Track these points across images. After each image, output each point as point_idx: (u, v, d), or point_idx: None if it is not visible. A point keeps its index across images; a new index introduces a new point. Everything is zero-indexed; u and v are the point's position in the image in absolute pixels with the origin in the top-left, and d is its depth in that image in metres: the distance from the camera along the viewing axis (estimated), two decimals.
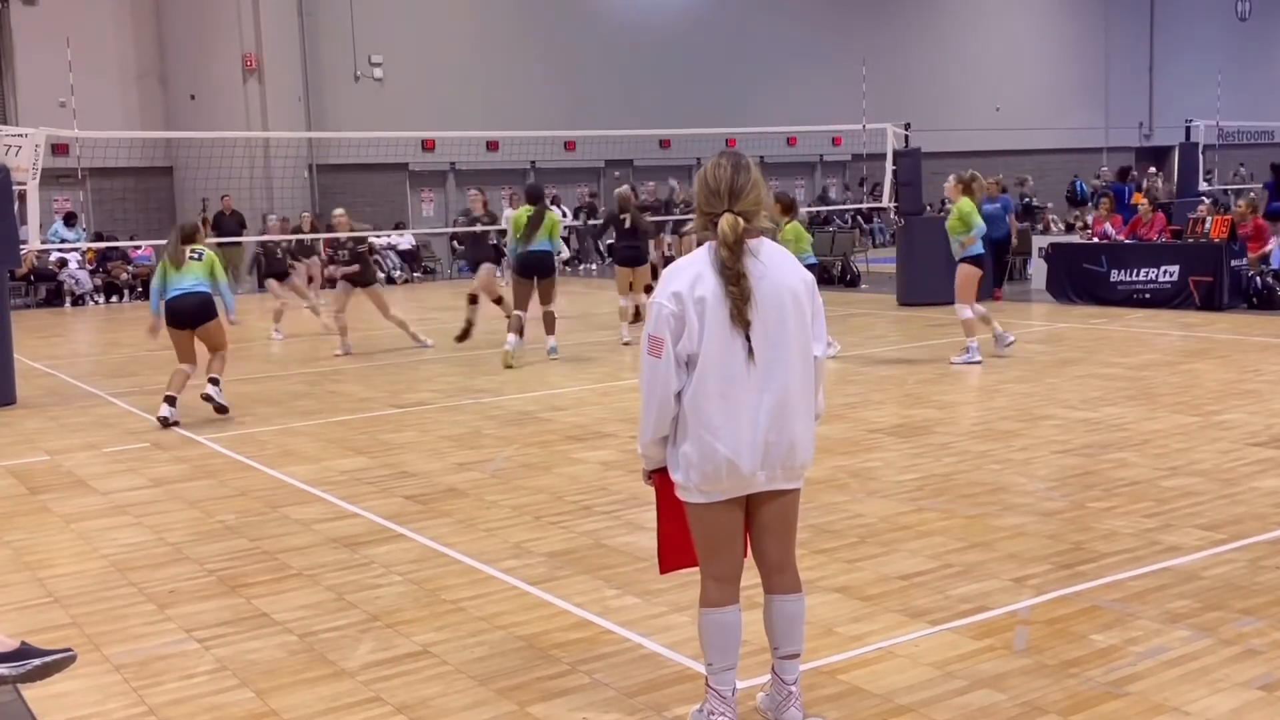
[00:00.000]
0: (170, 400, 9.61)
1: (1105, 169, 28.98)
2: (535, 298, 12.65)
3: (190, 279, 9.57)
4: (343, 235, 14.05)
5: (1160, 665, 4.21)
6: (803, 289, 3.66)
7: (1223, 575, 5.14)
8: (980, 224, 11.48)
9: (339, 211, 14.59)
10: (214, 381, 9.75)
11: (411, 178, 27.56)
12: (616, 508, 6.61)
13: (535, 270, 12.58)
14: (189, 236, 9.79)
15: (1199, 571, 5.20)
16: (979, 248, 11.54)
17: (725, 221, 3.56)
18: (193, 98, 24.28)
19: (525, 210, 12.68)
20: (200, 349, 9.80)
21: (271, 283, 16.54)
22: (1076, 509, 6.26)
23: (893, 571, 5.34)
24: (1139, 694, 3.98)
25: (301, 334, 15.96)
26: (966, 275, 11.51)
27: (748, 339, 3.54)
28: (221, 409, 9.77)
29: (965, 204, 11.56)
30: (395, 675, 4.38)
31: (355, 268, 13.61)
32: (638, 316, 13.76)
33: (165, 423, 9.50)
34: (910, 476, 7.08)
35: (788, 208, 11.68)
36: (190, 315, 9.59)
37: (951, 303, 16.40)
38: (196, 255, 9.65)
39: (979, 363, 11.26)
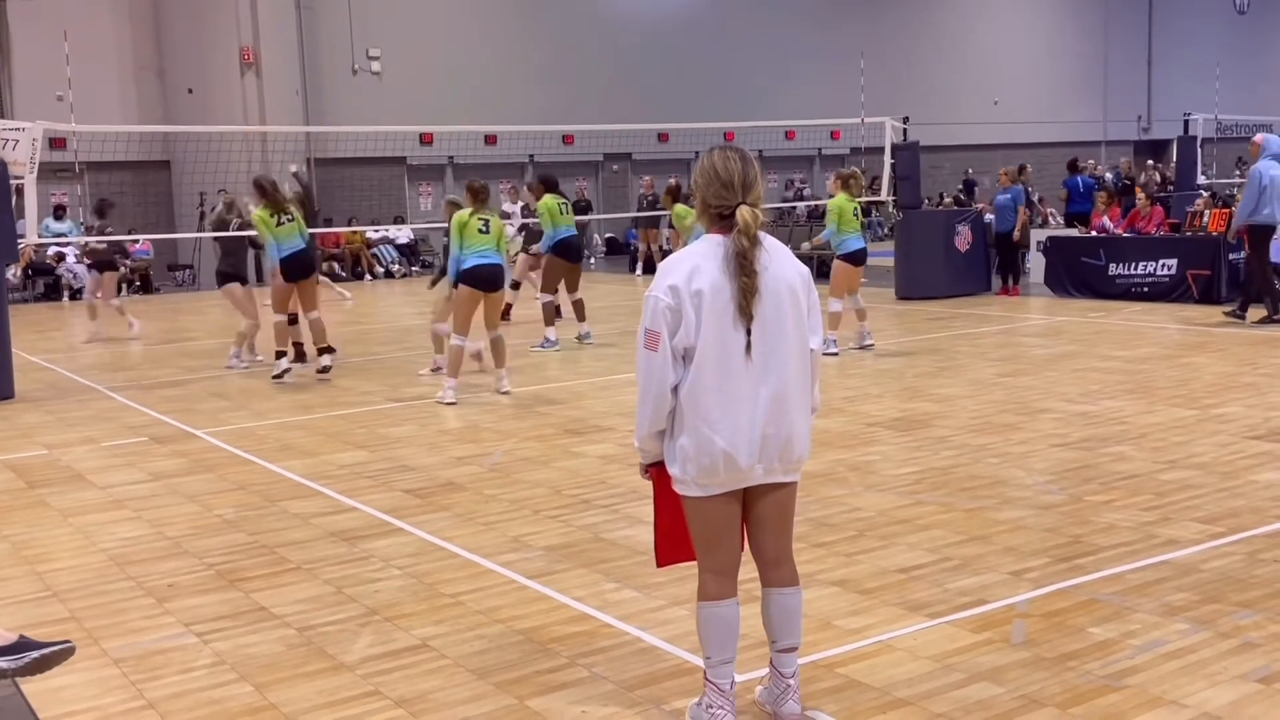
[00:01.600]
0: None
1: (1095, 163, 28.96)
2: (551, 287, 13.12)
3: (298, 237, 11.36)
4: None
5: (1158, 658, 4.22)
6: (800, 282, 3.67)
7: (1221, 568, 5.15)
8: (832, 227, 11.93)
9: (222, 191, 14.49)
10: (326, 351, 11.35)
11: (410, 171, 27.54)
12: (615, 501, 6.61)
13: (578, 255, 13.43)
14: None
15: (1197, 565, 5.20)
16: (855, 244, 11.85)
17: (746, 213, 3.56)
18: (190, 91, 24.26)
19: (554, 199, 13.00)
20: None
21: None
22: (1075, 502, 6.27)
23: (891, 565, 5.34)
24: (1137, 687, 3.99)
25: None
26: (841, 271, 11.91)
27: (747, 333, 3.54)
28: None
29: (837, 200, 11.80)
30: (394, 669, 4.39)
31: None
32: None
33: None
34: (909, 470, 7.08)
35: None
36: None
37: (950, 296, 16.50)
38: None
39: (835, 354, 11.67)
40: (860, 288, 12.34)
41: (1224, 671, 4.09)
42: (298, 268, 11.34)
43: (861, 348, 12.12)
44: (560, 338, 12.96)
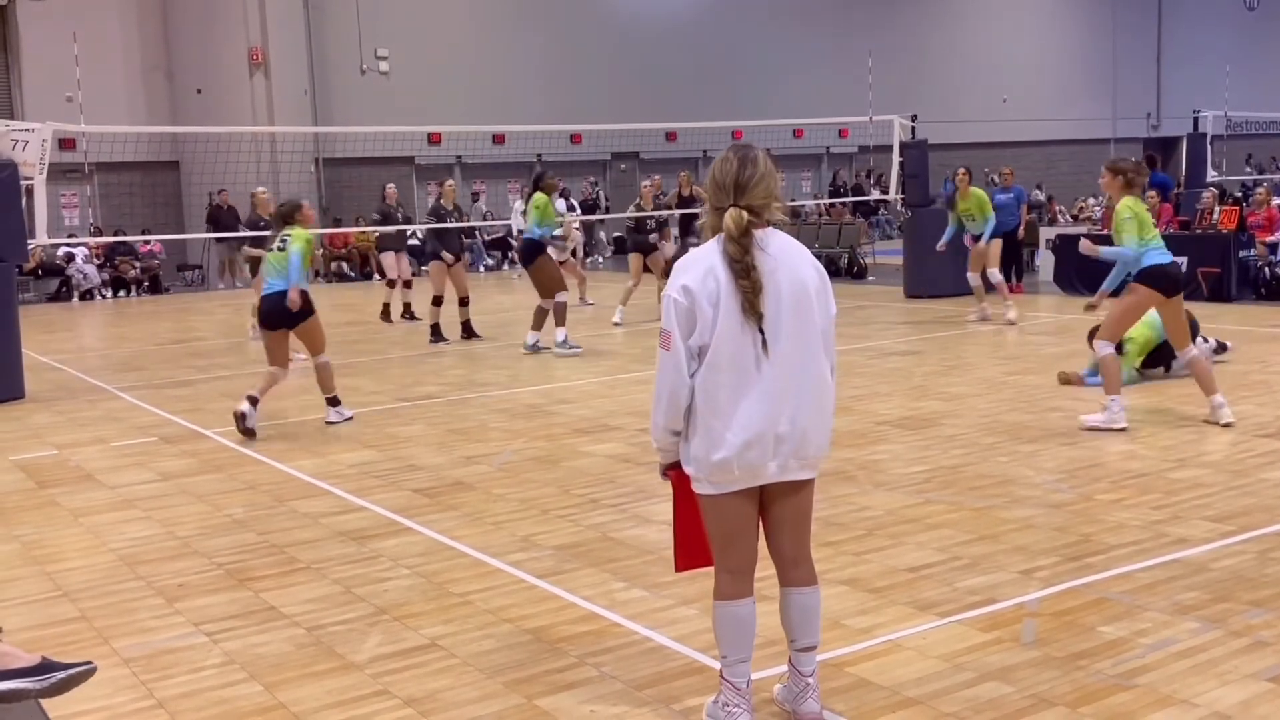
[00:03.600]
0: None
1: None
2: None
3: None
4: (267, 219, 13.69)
5: (1169, 657, 4.20)
6: (815, 278, 3.67)
7: (1231, 567, 5.13)
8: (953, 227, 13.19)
9: (260, 190, 14.33)
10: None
11: (418, 171, 27.57)
12: (624, 501, 6.61)
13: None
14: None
15: (1208, 563, 5.19)
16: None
17: (729, 216, 3.57)
18: (199, 92, 24.32)
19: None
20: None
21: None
22: (1084, 501, 6.25)
23: (900, 564, 5.33)
24: (1147, 686, 3.98)
25: None
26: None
27: (760, 331, 3.55)
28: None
29: None
30: (403, 668, 4.39)
31: (258, 253, 13.24)
32: None
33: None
34: (918, 469, 7.07)
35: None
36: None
37: (959, 295, 16.45)
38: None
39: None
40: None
41: (1235, 670, 4.07)
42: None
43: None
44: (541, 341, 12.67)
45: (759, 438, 3.56)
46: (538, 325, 12.58)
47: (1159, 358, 9.66)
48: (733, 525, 3.65)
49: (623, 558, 5.60)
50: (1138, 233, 7.73)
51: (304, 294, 8.74)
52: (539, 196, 12.56)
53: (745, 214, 3.57)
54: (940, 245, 14.05)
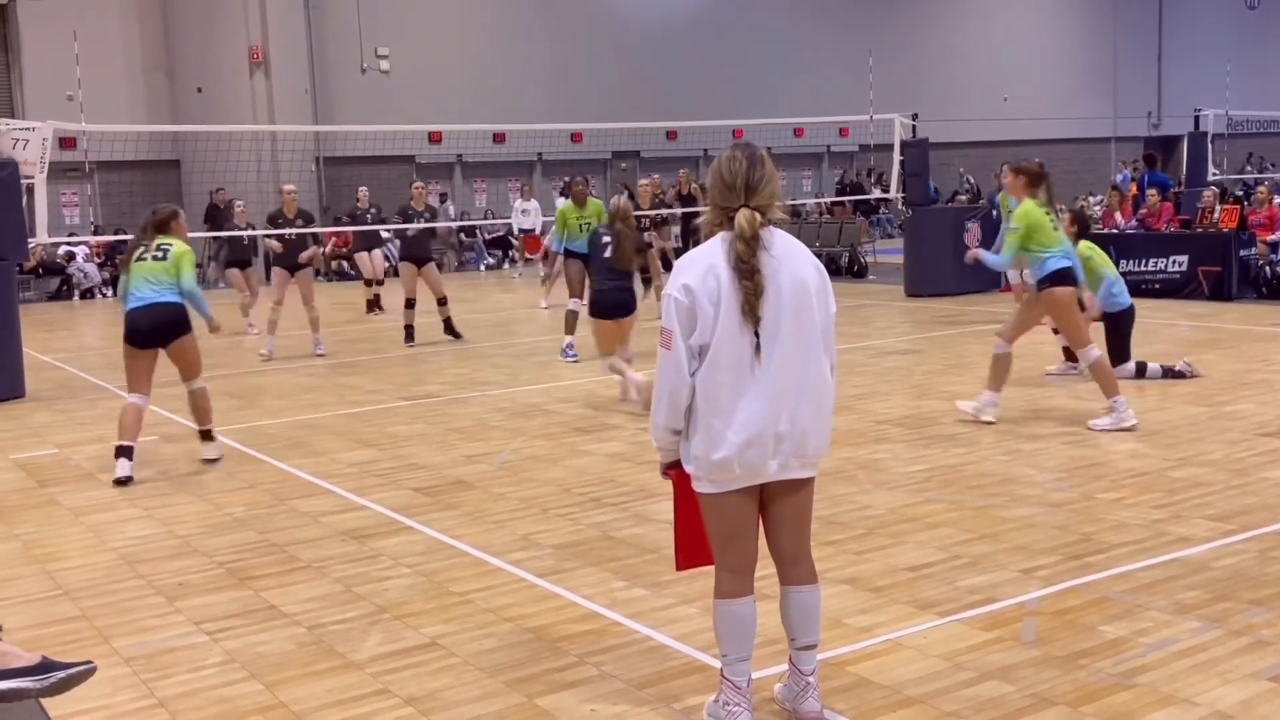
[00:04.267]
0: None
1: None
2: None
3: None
4: (290, 215, 13.63)
5: (1169, 656, 4.20)
6: (815, 277, 3.67)
7: (1232, 566, 5.13)
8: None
9: (289, 187, 14.27)
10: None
11: (418, 170, 27.54)
12: (624, 500, 6.61)
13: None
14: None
15: (1208, 562, 5.18)
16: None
17: (743, 216, 3.56)
18: (200, 91, 24.31)
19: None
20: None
21: (234, 273, 16.16)
22: (1085, 500, 6.25)
23: (901, 563, 5.33)
24: (1148, 685, 3.98)
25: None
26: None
27: (756, 334, 3.54)
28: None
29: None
30: (404, 667, 4.39)
31: (315, 250, 13.42)
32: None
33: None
34: (918, 468, 7.07)
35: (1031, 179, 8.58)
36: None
37: (960, 294, 16.46)
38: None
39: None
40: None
41: (1236, 670, 4.07)
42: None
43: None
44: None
45: (759, 436, 3.56)
46: (570, 329, 12.44)
47: (1121, 352, 9.59)
48: (733, 524, 3.65)
49: (623, 557, 5.60)
50: (1032, 240, 7.87)
51: (183, 308, 7.77)
52: (563, 206, 12.65)
53: (757, 215, 3.57)
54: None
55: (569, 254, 12.90)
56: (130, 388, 7.78)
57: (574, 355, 12.17)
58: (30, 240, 13.19)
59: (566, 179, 13.44)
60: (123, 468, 7.50)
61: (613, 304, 9.37)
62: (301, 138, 24.13)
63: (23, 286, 20.39)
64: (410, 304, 13.69)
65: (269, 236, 13.84)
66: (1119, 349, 9.56)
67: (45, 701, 4.05)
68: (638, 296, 9.92)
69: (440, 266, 15.88)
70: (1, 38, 24.03)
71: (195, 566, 5.74)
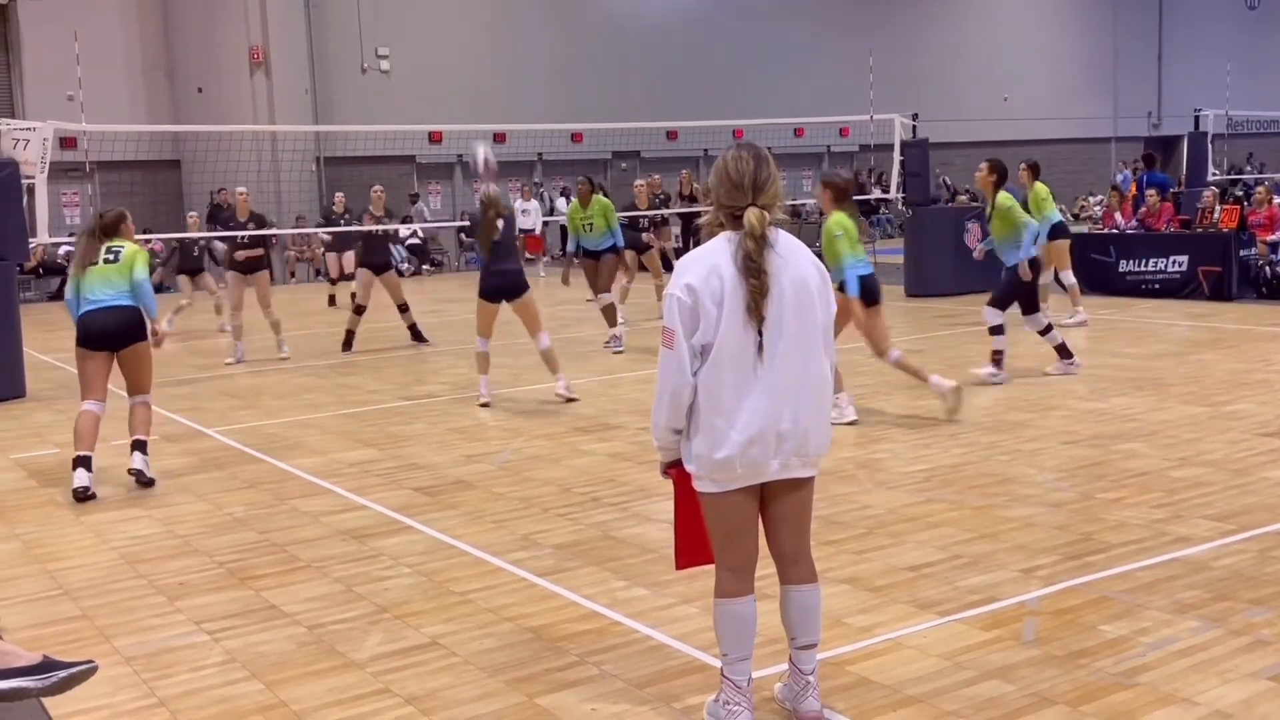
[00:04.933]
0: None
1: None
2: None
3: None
4: (242, 218, 13.64)
5: (1169, 656, 4.20)
6: (816, 276, 3.68)
7: (1232, 566, 5.13)
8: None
9: (241, 190, 14.29)
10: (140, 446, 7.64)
11: (419, 170, 27.56)
12: (625, 499, 6.61)
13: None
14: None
15: (1208, 562, 5.19)
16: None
17: (753, 215, 3.57)
18: (200, 91, 24.31)
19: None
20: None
21: (183, 279, 16.57)
22: (1085, 500, 6.25)
23: (901, 563, 5.33)
24: (1148, 684, 3.98)
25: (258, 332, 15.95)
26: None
27: (759, 333, 3.55)
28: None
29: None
30: (404, 667, 4.39)
31: (259, 251, 13.26)
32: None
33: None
34: (918, 468, 7.07)
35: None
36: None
37: (960, 294, 16.45)
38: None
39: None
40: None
41: (1235, 669, 4.07)
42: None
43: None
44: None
45: (761, 435, 3.56)
46: (611, 321, 12.66)
47: (1029, 305, 9.81)
48: (734, 523, 3.65)
49: (623, 556, 5.60)
50: (849, 247, 8.21)
51: (139, 312, 7.58)
52: (569, 207, 12.83)
53: (766, 214, 3.58)
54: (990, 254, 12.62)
55: (586, 253, 12.98)
56: (85, 394, 7.49)
57: (620, 347, 12.27)
58: (31, 240, 13.21)
59: (566, 185, 13.48)
60: (80, 478, 7.12)
61: (497, 287, 9.67)
62: (302, 138, 24.14)
63: (23, 286, 20.41)
64: (359, 310, 13.42)
65: (220, 239, 13.84)
66: (1031, 300, 9.83)
67: (46, 701, 4.06)
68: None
69: (401, 274, 15.91)
70: (2, 38, 24.03)
71: (196, 566, 5.74)
